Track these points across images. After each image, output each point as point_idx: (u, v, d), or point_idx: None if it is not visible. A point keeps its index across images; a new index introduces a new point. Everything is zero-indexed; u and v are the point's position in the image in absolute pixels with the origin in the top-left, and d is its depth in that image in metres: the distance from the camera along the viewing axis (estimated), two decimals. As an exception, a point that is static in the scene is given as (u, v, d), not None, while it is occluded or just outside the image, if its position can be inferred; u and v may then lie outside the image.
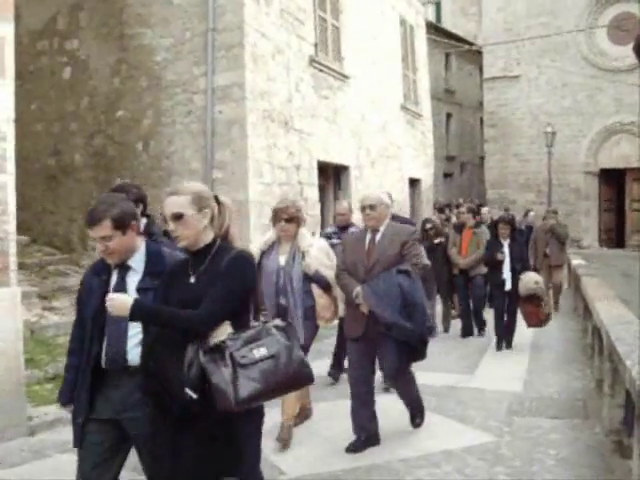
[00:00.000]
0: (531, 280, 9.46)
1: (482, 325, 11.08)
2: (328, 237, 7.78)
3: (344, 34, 13.39)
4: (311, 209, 11.64)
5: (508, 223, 10.04)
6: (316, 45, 12.11)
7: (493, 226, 11.44)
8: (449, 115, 33.27)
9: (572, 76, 28.64)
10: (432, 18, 33.14)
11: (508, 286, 9.76)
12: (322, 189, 12.53)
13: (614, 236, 29.53)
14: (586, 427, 6.31)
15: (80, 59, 11.16)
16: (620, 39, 27.58)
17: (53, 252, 11.06)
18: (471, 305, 11.07)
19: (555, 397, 7.45)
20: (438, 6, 36.31)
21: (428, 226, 11.32)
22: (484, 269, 10.72)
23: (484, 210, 15.74)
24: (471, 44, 32.37)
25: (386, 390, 7.04)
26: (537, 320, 9.63)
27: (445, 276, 11.24)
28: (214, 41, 9.95)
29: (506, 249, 9.82)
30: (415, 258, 5.50)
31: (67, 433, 4.20)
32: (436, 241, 11.19)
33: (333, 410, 7.05)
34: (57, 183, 11.32)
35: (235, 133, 9.89)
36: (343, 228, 7.96)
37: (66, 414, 3.77)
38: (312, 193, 11.78)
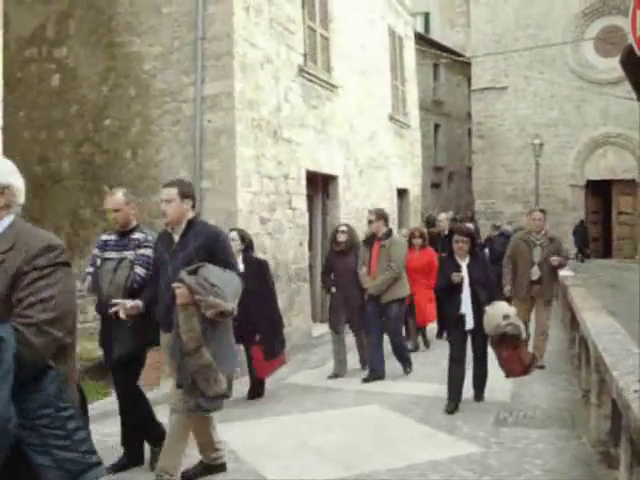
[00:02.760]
0: (497, 314, 6.97)
1: (407, 363, 9.13)
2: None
3: (333, 44, 13.41)
4: (299, 219, 11.64)
5: (466, 235, 7.46)
6: (305, 55, 12.13)
7: (447, 239, 9.86)
8: (437, 126, 33.38)
9: (559, 88, 28.84)
10: (421, 29, 33.29)
11: (470, 324, 7.23)
12: (310, 199, 12.52)
13: (601, 247, 29.70)
14: (573, 437, 6.32)
15: (69, 67, 11.12)
16: (607, 52, 27.81)
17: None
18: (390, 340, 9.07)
19: (542, 407, 7.46)
20: (427, 17, 36.48)
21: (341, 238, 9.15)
22: (403, 292, 8.90)
23: (441, 216, 13.32)
24: (459, 55, 32.54)
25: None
26: (520, 367, 7.26)
27: (355, 302, 8.98)
28: (203, 50, 9.93)
29: (464, 271, 7.29)
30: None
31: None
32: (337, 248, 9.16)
33: (321, 420, 7.05)
34: (44, 191, 11.25)
35: (223, 142, 9.87)
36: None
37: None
38: (300, 203, 11.77)
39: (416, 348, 10.68)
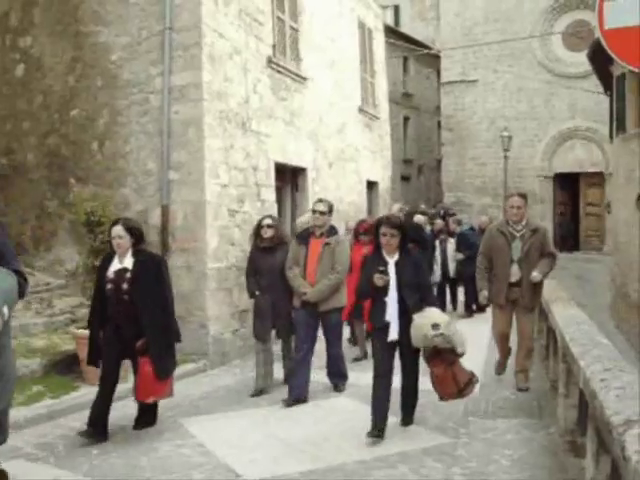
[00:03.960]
0: (425, 323, 5.85)
1: (343, 379, 8.07)
2: None
3: (302, 36, 13.35)
4: (268, 211, 11.59)
5: (395, 227, 6.12)
6: (274, 46, 12.06)
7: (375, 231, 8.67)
8: (407, 118, 33.45)
9: (528, 81, 29.03)
10: (391, 22, 33.29)
11: (394, 334, 6.03)
12: (279, 191, 12.47)
13: (569, 239, 29.99)
14: (541, 427, 6.37)
15: (34, 56, 10.95)
16: (575, 46, 28.06)
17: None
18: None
19: (511, 398, 7.51)
20: (397, 10, 36.49)
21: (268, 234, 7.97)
22: (343, 300, 7.68)
23: (394, 208, 12.04)
24: (429, 48, 32.60)
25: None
26: (454, 388, 6.10)
27: (284, 306, 7.78)
28: (171, 40, 9.83)
29: (392, 270, 6.07)
30: None
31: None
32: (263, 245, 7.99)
33: (288, 413, 7.04)
34: (9, 183, 11.09)
35: (191, 134, 9.79)
36: None
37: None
38: (269, 195, 11.71)
39: (365, 355, 9.45)
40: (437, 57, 32.15)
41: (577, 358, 4.75)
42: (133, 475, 5.31)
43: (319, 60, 14.16)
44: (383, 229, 6.08)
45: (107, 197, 9.20)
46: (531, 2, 29.26)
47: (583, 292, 14.71)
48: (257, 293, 8.00)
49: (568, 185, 29.42)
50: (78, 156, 10.52)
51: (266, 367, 8.03)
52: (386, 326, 6.01)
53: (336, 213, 13.69)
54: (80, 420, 6.41)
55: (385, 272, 5.95)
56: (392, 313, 6.01)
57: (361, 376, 8.45)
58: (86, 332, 6.74)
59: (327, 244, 7.49)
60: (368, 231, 9.03)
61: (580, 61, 25.72)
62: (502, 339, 8.00)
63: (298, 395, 7.35)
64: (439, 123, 33.16)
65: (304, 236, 7.69)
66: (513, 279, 7.57)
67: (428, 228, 14.18)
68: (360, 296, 6.56)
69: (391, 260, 6.09)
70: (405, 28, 34.95)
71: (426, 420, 6.62)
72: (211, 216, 9.78)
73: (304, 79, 13.22)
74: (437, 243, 14.06)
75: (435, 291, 13.98)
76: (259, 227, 8.07)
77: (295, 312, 7.62)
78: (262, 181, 11.43)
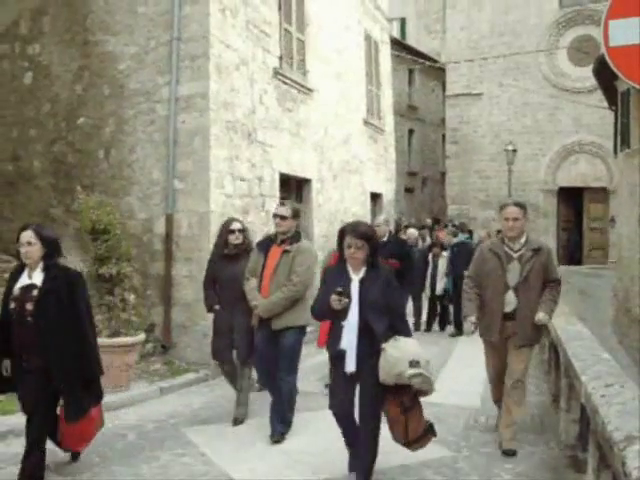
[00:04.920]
0: (402, 358, 4.82)
1: (287, 423, 6.65)
2: None
3: (309, 47, 13.42)
4: (272, 222, 11.61)
5: (362, 237, 4.99)
6: (281, 58, 12.12)
7: (385, 246, 8.15)
8: (411, 131, 33.50)
9: (533, 95, 29.07)
10: (397, 34, 33.41)
11: (351, 365, 4.95)
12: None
13: (572, 254, 29.95)
14: (542, 442, 6.36)
15: (42, 64, 11.02)
16: (580, 61, 28.10)
17: (10, 259, 10.87)
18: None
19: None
20: (403, 23, 36.63)
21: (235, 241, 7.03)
22: (302, 318, 6.41)
23: (379, 220, 9.77)
24: (435, 61, 32.70)
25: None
26: (399, 437, 5.07)
27: (244, 325, 6.73)
28: (178, 51, 9.90)
29: (355, 289, 5.00)
30: None
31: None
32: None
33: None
34: (15, 189, 11.14)
35: (197, 143, 9.84)
36: None
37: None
38: (273, 206, 11.73)
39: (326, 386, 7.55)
40: (443, 70, 32.22)
41: (579, 373, 4.77)
42: (134, 483, 5.32)
43: (325, 72, 14.22)
44: (348, 239, 5.00)
45: (112, 205, 9.23)
46: (537, 17, 29.33)
47: (586, 306, 14.69)
48: (216, 307, 7.11)
49: (572, 199, 29.42)
50: (84, 164, 10.57)
51: (241, 394, 7.08)
52: (342, 355, 4.97)
53: (340, 224, 13.72)
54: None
55: (345, 293, 4.88)
56: (350, 340, 4.93)
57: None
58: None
59: (286, 252, 6.41)
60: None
61: (585, 76, 25.74)
62: (495, 381, 6.57)
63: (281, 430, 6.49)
64: (444, 136, 33.19)
65: (265, 243, 6.67)
66: (507, 309, 6.09)
67: (422, 243, 13.70)
68: (315, 316, 5.39)
69: (356, 276, 5.03)
70: (411, 41, 35.06)
71: (427, 433, 6.61)
72: (215, 226, 9.79)
73: (310, 90, 13.28)
74: (430, 258, 13.42)
75: (427, 307, 13.69)
76: (227, 232, 7.00)
77: (256, 332, 6.56)
78: (267, 192, 11.46)
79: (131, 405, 7.51)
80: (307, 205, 13.39)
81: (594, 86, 22.46)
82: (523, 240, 6.18)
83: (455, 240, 13.60)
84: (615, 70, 12.27)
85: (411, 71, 33.20)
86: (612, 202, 25.87)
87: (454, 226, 17.83)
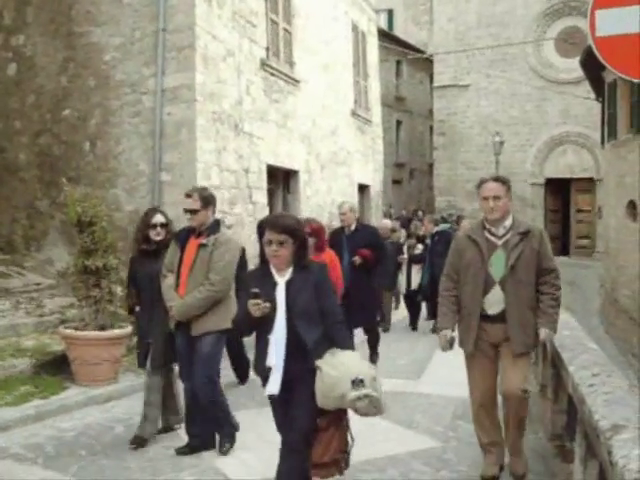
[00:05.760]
0: (344, 377, 3.84)
1: (226, 438, 5.80)
2: None
3: (296, 38, 13.37)
4: (260, 213, 11.59)
5: (285, 232, 3.98)
6: (267, 48, 12.07)
7: (352, 237, 8.16)
8: (399, 122, 33.50)
9: (520, 87, 29.12)
10: (384, 26, 33.37)
11: (272, 386, 4.05)
12: (271, 193, 12.47)
13: (559, 245, 30.08)
14: (530, 432, 6.36)
15: (26, 55, 10.93)
16: (567, 52, 28.18)
17: (-6, 252, 10.83)
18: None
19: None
20: (390, 14, 36.57)
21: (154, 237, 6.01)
22: (224, 322, 5.36)
23: (344, 208, 8.64)
24: (422, 52, 32.69)
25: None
26: (316, 453, 4.01)
27: (160, 328, 5.80)
28: (164, 42, 9.85)
29: (281, 293, 4.03)
30: None
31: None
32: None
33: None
34: (0, 182, 11.06)
35: (184, 135, 9.79)
36: None
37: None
38: (261, 197, 11.72)
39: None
40: (430, 61, 32.23)
41: (566, 363, 4.77)
42: (122, 476, 5.29)
43: (312, 63, 14.18)
44: (267, 235, 4.02)
45: (98, 197, 9.16)
46: (524, 8, 29.36)
47: (574, 297, 14.75)
48: (137, 309, 6.24)
49: (559, 190, 29.51)
50: (70, 156, 10.50)
51: (151, 408, 6.01)
52: (266, 374, 4.08)
53: (328, 216, 13.73)
54: (69, 421, 6.39)
55: (261, 295, 3.91)
56: (277, 356, 4.00)
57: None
58: (76, 332, 6.66)
59: (203, 245, 5.54)
60: (313, 235, 6.59)
61: (572, 67, 25.82)
62: (485, 412, 5.19)
63: (194, 441, 5.77)
64: (431, 127, 33.22)
65: (182, 235, 5.72)
66: (492, 311, 4.83)
67: (400, 234, 13.27)
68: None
69: (281, 279, 4.07)
70: (399, 32, 35.04)
71: (415, 423, 6.62)
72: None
73: (297, 82, 13.24)
74: (405, 249, 12.29)
75: (403, 304, 12.86)
76: (147, 225, 6.01)
77: (175, 337, 5.72)
78: (254, 183, 11.43)
79: (119, 398, 7.46)
80: (295, 196, 13.36)
81: (581, 77, 22.57)
82: (508, 223, 4.88)
83: (436, 229, 11.92)
84: (602, 60, 12.30)
85: (399, 62, 33.18)
86: (599, 193, 25.95)
87: (442, 217, 17.68)
